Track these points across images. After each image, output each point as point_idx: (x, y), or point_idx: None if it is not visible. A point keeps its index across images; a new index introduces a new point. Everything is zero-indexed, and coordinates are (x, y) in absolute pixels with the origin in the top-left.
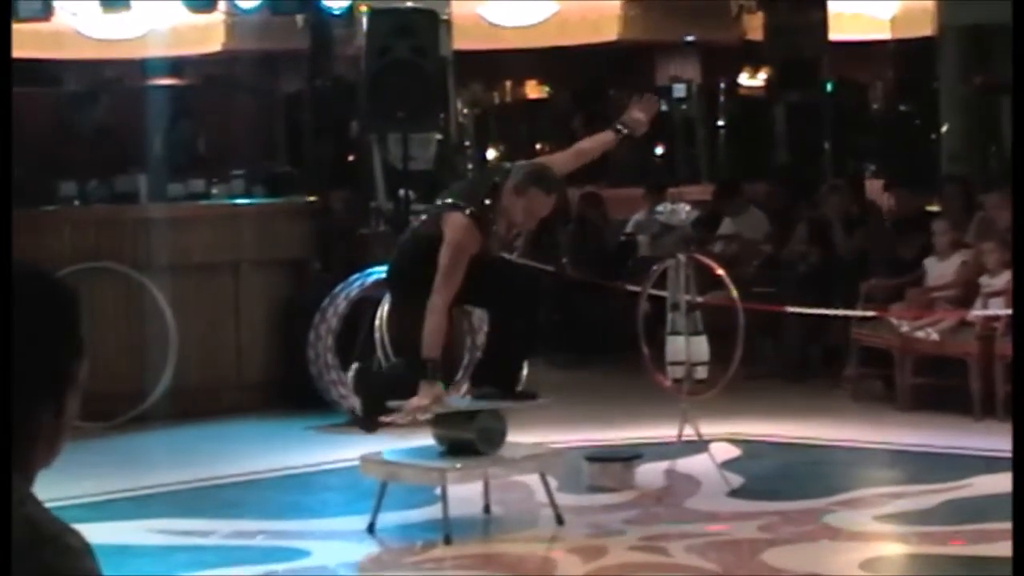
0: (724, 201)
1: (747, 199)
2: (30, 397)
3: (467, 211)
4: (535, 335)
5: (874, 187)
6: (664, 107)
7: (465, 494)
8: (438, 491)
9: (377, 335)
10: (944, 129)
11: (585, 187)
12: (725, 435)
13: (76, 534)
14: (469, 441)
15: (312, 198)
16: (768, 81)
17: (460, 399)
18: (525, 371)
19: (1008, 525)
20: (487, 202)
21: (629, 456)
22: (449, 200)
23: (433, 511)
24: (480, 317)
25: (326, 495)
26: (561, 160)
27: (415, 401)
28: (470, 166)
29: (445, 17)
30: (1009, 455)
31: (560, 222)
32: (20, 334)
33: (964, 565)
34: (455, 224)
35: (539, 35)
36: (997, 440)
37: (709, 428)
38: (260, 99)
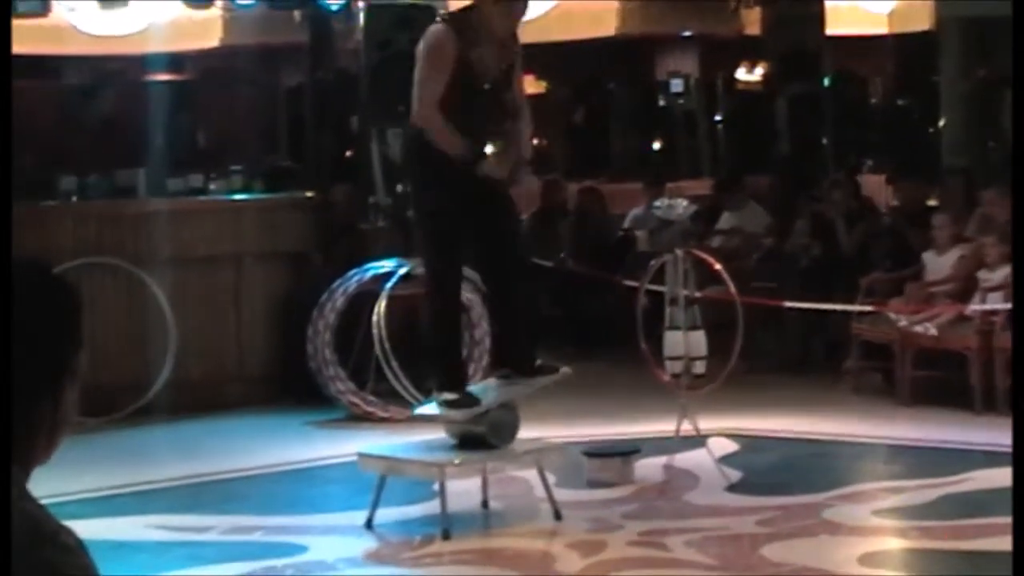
0: (725, 194)
1: (747, 193)
2: (29, 391)
3: (442, 20)
4: (535, 304)
5: (874, 181)
6: (662, 101)
7: (463, 489)
8: (436, 486)
9: (375, 331)
10: (942, 123)
11: (584, 181)
12: (724, 430)
13: (70, 532)
14: (480, 435)
15: (311, 193)
16: (767, 75)
17: (483, 388)
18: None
19: (1008, 519)
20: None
21: (628, 451)
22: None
23: (431, 506)
24: (479, 313)
25: (325, 490)
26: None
27: None
28: None
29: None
30: (1009, 449)
31: (558, 215)
32: (20, 328)
33: (964, 559)
34: (428, 34)
35: (537, 30)
36: (997, 434)
37: (708, 423)
38: (259, 94)
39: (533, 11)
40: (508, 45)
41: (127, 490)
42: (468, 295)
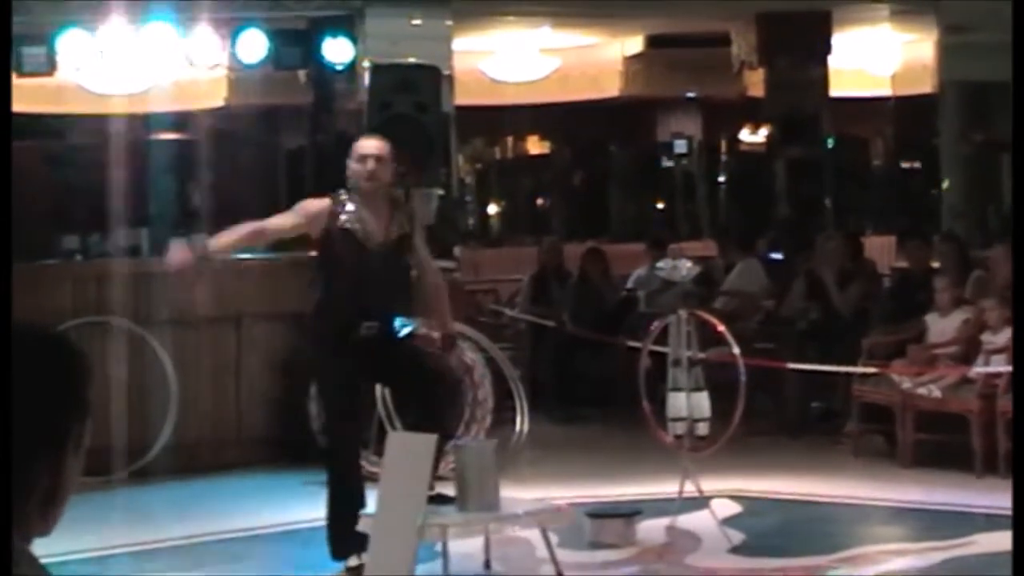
0: (733, 249)
1: (749, 253)
2: (32, 457)
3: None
4: (436, 418)
5: (875, 243)
6: (665, 162)
7: (466, 549)
8: (439, 547)
9: (378, 390)
10: (945, 185)
11: (587, 242)
12: (726, 491)
13: None
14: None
15: (314, 253)
16: (769, 137)
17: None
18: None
19: None
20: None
21: (630, 512)
22: None
23: (434, 567)
24: (482, 373)
25: (325, 550)
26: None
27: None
28: (471, 221)
29: (447, 73)
30: (1011, 512)
31: (556, 277)
32: (26, 394)
33: None
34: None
35: (541, 91)
36: (999, 497)
37: (710, 484)
38: (262, 154)
39: (536, 72)
40: (395, 212)
41: (126, 550)
42: (471, 355)
